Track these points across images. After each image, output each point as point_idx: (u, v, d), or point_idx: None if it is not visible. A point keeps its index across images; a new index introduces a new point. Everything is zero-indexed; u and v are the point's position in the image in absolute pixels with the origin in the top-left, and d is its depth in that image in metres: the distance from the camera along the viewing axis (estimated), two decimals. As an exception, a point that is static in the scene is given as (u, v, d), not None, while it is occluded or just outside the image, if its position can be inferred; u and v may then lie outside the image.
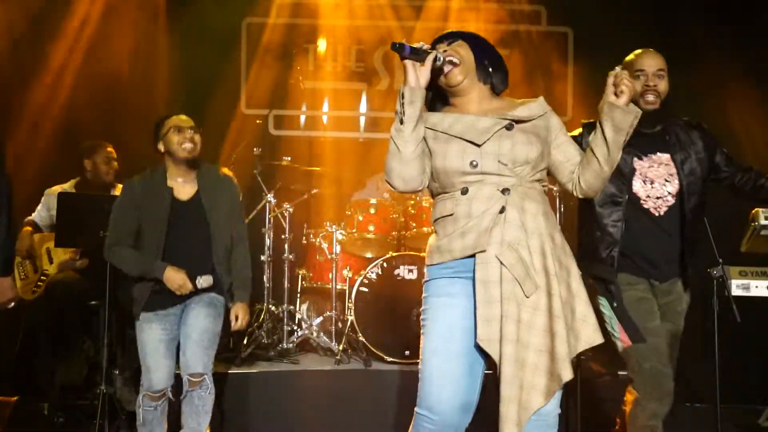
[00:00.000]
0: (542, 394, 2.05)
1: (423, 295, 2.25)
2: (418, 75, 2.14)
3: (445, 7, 5.86)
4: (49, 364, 4.14)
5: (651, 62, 2.92)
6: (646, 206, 2.86)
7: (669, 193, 2.88)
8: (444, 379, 2.12)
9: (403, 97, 2.13)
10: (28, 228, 4.18)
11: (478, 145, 2.15)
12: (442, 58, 2.20)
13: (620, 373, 4.24)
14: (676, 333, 2.92)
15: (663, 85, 2.93)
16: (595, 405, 3.93)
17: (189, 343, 3.11)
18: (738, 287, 3.72)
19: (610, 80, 2.17)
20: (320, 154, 5.44)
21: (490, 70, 2.30)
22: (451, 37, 2.31)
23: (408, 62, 2.13)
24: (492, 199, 2.13)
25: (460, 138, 2.17)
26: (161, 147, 3.22)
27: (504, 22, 5.81)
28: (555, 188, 4.51)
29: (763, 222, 3.68)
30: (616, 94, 2.16)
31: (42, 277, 4.12)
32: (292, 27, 5.81)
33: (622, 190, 2.84)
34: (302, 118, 5.99)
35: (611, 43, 5.27)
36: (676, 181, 2.88)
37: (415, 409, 2.18)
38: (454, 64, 2.23)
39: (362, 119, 6.01)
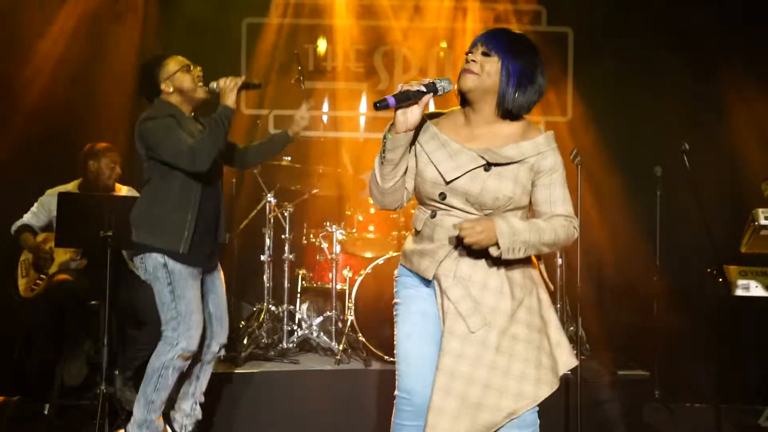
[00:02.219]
0: (485, 427, 2.09)
1: (395, 289, 2.35)
2: (408, 118, 2.08)
3: (444, 7, 5.86)
4: (49, 364, 4.14)
5: None
6: None
7: None
8: (419, 360, 2.20)
9: (385, 143, 2.12)
10: (29, 234, 4.16)
11: (447, 182, 2.14)
12: (445, 88, 2.12)
13: (620, 372, 4.25)
14: None
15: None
16: (595, 405, 3.93)
17: (223, 314, 3.27)
18: (738, 287, 3.72)
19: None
20: (320, 154, 5.44)
21: (515, 97, 2.14)
22: (492, 45, 2.13)
23: (399, 110, 2.07)
24: (454, 231, 2.13)
25: (435, 167, 2.16)
26: (167, 87, 3.08)
27: (504, 22, 5.81)
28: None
29: (763, 222, 3.68)
30: None
31: (41, 276, 4.13)
32: (292, 27, 5.81)
33: None
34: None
35: (611, 43, 5.29)
36: None
37: (395, 392, 2.26)
38: (471, 72, 2.13)
39: (362, 119, 6.01)
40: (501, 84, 2.13)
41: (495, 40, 2.14)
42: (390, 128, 2.12)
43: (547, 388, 2.14)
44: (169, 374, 3.05)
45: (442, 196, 2.16)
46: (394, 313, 2.32)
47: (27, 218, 4.21)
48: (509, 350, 2.11)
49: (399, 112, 2.08)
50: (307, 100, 3.42)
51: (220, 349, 3.31)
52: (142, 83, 3.18)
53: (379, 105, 2.02)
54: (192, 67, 3.16)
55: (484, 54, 2.14)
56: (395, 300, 2.34)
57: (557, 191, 2.18)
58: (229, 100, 2.97)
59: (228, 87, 2.98)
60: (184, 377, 3.28)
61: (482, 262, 2.14)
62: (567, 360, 2.21)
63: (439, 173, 2.14)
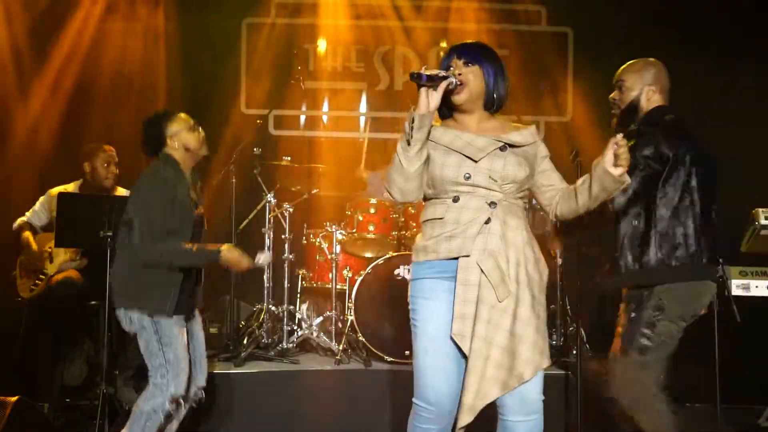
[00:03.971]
0: (499, 387, 2.27)
1: (411, 293, 2.47)
2: (430, 101, 2.27)
3: (445, 7, 5.86)
4: (49, 364, 4.14)
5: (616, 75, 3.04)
6: None
7: None
8: (436, 374, 2.35)
9: (413, 122, 2.27)
10: (28, 233, 4.17)
11: (475, 161, 2.33)
12: (455, 82, 2.33)
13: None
14: None
15: (622, 95, 3.01)
16: (595, 405, 3.93)
17: (200, 358, 3.27)
18: (738, 287, 3.72)
19: (611, 147, 2.25)
20: (320, 154, 5.45)
21: (495, 96, 2.42)
22: (471, 57, 2.40)
23: (423, 89, 2.26)
24: (480, 210, 2.34)
25: (459, 152, 2.36)
26: (174, 143, 3.16)
27: (504, 22, 5.82)
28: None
29: (763, 222, 3.68)
30: (615, 164, 2.25)
31: (41, 276, 4.13)
32: (292, 27, 5.82)
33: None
34: (302, 118, 5.99)
35: (611, 43, 5.29)
36: None
37: (413, 399, 2.43)
38: (459, 86, 2.36)
39: (362, 119, 6.02)
40: (487, 87, 2.40)
41: (469, 50, 2.43)
42: (413, 111, 2.29)
43: (547, 361, 2.34)
44: (158, 418, 3.10)
45: (467, 176, 2.33)
46: (412, 321, 2.44)
47: (29, 216, 4.22)
48: (528, 319, 2.30)
49: (423, 92, 2.26)
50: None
51: (197, 392, 3.27)
52: (149, 137, 3.21)
53: (415, 76, 2.23)
54: (195, 126, 3.21)
55: (465, 64, 2.40)
56: (412, 306, 2.45)
57: (554, 175, 2.49)
58: (230, 260, 3.11)
59: (235, 259, 3.13)
60: None
61: (506, 237, 2.32)
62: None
63: (465, 156, 2.35)
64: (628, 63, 3.04)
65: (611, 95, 3.01)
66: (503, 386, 2.28)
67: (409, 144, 2.29)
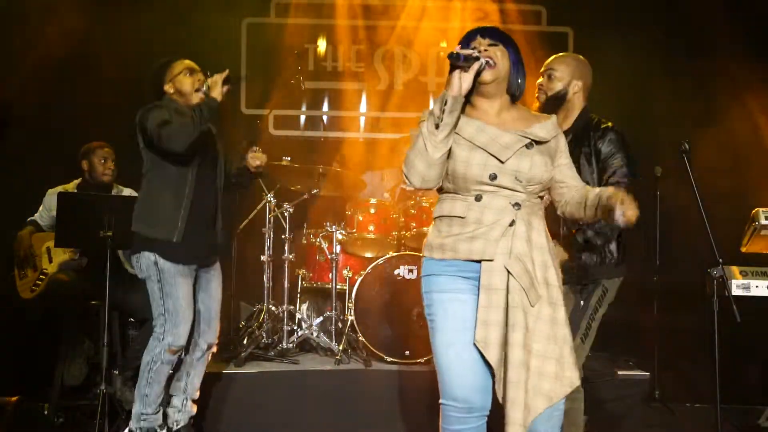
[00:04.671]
0: (547, 398, 2.16)
1: (424, 289, 2.33)
2: (462, 82, 2.18)
3: (445, 7, 5.86)
4: (48, 364, 4.14)
5: (545, 63, 3.10)
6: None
7: None
8: (463, 367, 2.22)
9: (445, 104, 2.17)
10: (30, 228, 4.18)
11: (502, 162, 2.22)
12: (486, 63, 2.24)
13: (620, 373, 4.25)
14: None
15: (551, 84, 3.04)
16: (596, 405, 3.93)
17: (212, 315, 3.32)
18: (738, 287, 3.72)
19: (619, 203, 2.15)
20: (320, 154, 5.44)
21: (519, 82, 2.35)
22: (495, 37, 2.32)
23: (456, 71, 2.18)
24: (504, 211, 2.23)
25: (484, 149, 2.24)
26: (169, 88, 3.19)
27: (504, 22, 5.81)
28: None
29: (763, 222, 3.68)
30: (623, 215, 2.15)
31: (41, 276, 4.12)
32: (292, 27, 5.81)
33: None
34: (302, 118, 5.99)
35: (611, 43, 5.28)
36: None
37: (441, 401, 2.27)
38: (489, 66, 2.26)
39: (362, 119, 6.02)
40: (511, 71, 2.31)
41: (492, 32, 2.34)
42: (446, 92, 2.20)
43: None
44: (158, 368, 3.20)
45: (493, 176, 2.22)
46: (428, 315, 2.31)
47: (36, 216, 4.24)
48: (564, 322, 2.23)
49: (455, 74, 2.18)
50: (252, 147, 3.45)
51: (209, 347, 3.36)
52: (149, 84, 3.28)
53: (454, 56, 2.15)
54: (195, 72, 3.23)
55: (491, 45, 2.30)
56: (427, 302, 2.31)
57: (569, 172, 2.40)
58: (215, 92, 3.05)
59: (214, 81, 3.06)
60: (174, 374, 3.37)
61: (531, 239, 2.24)
62: None
63: (491, 155, 2.23)
64: (560, 54, 3.13)
65: (539, 81, 3.06)
66: (551, 397, 2.17)
67: (437, 128, 2.17)
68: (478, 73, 2.23)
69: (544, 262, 2.24)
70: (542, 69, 3.08)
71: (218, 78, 3.05)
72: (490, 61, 2.24)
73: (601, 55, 5.37)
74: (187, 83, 3.19)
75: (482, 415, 2.26)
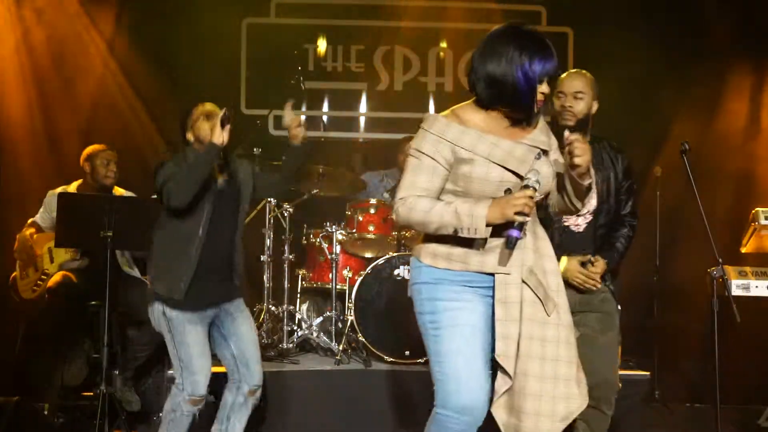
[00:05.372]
0: (580, 399, 2.17)
1: (426, 296, 2.25)
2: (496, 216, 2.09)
3: (444, 7, 5.86)
4: (49, 364, 4.14)
5: (570, 84, 2.92)
6: (566, 223, 2.90)
7: (587, 210, 2.91)
8: (471, 378, 2.16)
9: (475, 231, 2.09)
10: (31, 229, 4.18)
11: (520, 177, 2.15)
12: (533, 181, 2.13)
13: (620, 372, 4.24)
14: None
15: (579, 106, 2.90)
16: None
17: (249, 357, 3.18)
18: (738, 287, 3.73)
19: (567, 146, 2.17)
20: (320, 154, 5.44)
21: None
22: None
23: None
24: (514, 224, 2.12)
25: (500, 165, 2.16)
26: (190, 136, 3.12)
27: (504, 22, 5.80)
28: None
29: (763, 222, 3.69)
30: (571, 163, 2.17)
31: (42, 276, 4.12)
32: (292, 27, 5.81)
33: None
34: (302, 118, 5.98)
35: (611, 43, 5.29)
36: (594, 200, 2.90)
37: (436, 409, 2.20)
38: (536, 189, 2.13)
39: (362, 119, 6.02)
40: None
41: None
42: (477, 217, 2.10)
43: None
44: (178, 418, 3.10)
45: (509, 191, 2.16)
46: (432, 325, 2.23)
47: (37, 217, 4.24)
48: (572, 326, 2.24)
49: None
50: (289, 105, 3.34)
51: (251, 392, 3.21)
52: (180, 135, 3.19)
53: (512, 244, 2.10)
54: (212, 116, 3.07)
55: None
56: (432, 309, 2.23)
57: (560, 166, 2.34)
58: (213, 136, 2.94)
59: (212, 124, 2.98)
60: (216, 414, 3.30)
61: (540, 250, 2.23)
62: None
63: (509, 171, 2.16)
64: (581, 74, 2.95)
65: (566, 103, 2.89)
66: (582, 397, 2.18)
67: (456, 232, 2.12)
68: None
69: (553, 271, 2.24)
70: (565, 89, 2.91)
71: (215, 121, 2.94)
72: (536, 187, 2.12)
73: (600, 55, 5.40)
74: (204, 129, 3.06)
75: (478, 426, 2.20)
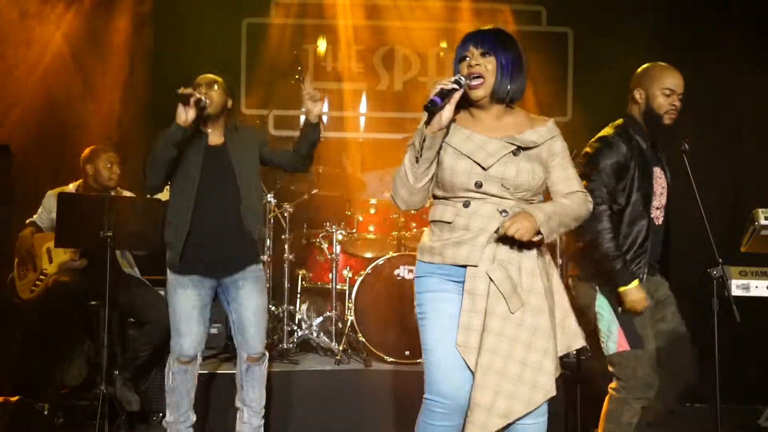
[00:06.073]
0: (525, 404, 2.19)
1: (416, 290, 2.37)
2: (441, 118, 2.17)
3: (445, 7, 5.86)
4: (48, 364, 4.13)
5: (680, 84, 2.98)
6: (652, 216, 3.01)
7: (663, 205, 3.05)
8: (452, 365, 2.25)
9: (423, 140, 2.19)
10: (30, 229, 4.18)
11: (485, 169, 2.23)
12: (464, 81, 2.21)
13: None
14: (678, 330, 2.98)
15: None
16: (595, 405, 3.93)
17: (247, 325, 3.21)
18: (738, 287, 3.72)
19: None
20: (320, 154, 5.44)
21: (509, 88, 2.28)
22: (486, 44, 2.27)
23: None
24: (491, 218, 2.25)
25: (468, 157, 2.25)
26: None
27: (504, 22, 5.81)
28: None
29: (763, 222, 3.68)
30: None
31: (41, 276, 4.12)
32: (292, 27, 5.82)
33: (648, 201, 2.96)
34: (302, 118, 5.98)
35: (611, 43, 5.29)
36: (665, 196, 3.05)
37: (425, 396, 2.31)
38: (474, 86, 2.25)
39: (362, 119, 6.02)
40: (496, 77, 2.26)
41: (485, 38, 2.29)
42: (424, 128, 2.20)
43: (558, 370, 2.27)
44: (171, 376, 3.20)
45: (478, 184, 2.24)
46: (419, 315, 2.35)
47: (35, 218, 4.23)
48: (549, 331, 2.23)
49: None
50: (304, 78, 3.32)
51: (251, 358, 3.25)
52: None
53: (430, 106, 2.13)
54: (198, 85, 3.20)
55: (483, 55, 2.28)
56: (418, 301, 2.35)
57: (570, 170, 2.36)
58: (178, 117, 3.04)
59: (177, 111, 3.08)
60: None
61: (517, 246, 2.25)
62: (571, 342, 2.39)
63: (475, 163, 2.24)
64: (678, 72, 2.99)
65: (676, 102, 2.96)
66: (528, 403, 2.19)
67: (417, 161, 2.22)
68: (465, 93, 2.23)
69: (532, 269, 2.25)
70: (675, 87, 2.94)
71: (180, 106, 3.02)
72: (474, 81, 2.23)
73: (600, 55, 5.40)
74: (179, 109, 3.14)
75: (464, 413, 2.28)
